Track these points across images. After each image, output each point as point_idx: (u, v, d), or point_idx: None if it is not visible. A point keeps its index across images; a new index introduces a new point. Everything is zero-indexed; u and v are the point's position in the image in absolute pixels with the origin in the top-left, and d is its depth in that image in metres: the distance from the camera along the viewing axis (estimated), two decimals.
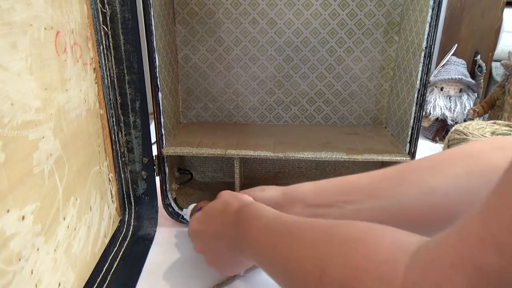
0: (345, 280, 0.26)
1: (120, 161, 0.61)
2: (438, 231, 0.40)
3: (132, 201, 0.64)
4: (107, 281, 0.52)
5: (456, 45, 1.21)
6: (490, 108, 1.01)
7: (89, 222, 0.50)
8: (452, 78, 1.04)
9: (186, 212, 0.63)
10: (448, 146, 0.76)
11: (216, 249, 0.48)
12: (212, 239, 0.48)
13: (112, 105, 0.57)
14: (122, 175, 0.62)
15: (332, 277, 0.27)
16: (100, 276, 0.52)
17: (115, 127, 0.59)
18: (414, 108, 0.61)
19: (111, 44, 0.54)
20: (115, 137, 0.59)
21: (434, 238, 0.24)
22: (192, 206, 0.61)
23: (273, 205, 0.47)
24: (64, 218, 0.43)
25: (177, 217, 0.67)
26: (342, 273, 0.26)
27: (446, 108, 1.05)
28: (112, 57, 0.55)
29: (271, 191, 0.51)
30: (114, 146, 0.59)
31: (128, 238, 0.62)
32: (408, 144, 0.63)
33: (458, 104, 1.05)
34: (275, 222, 0.38)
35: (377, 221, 0.41)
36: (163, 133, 0.63)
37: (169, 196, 0.67)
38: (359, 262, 0.26)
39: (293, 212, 0.47)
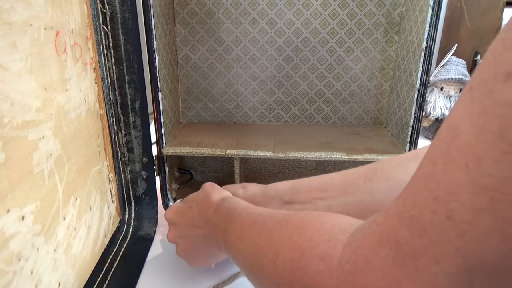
0: (293, 260, 0.29)
1: (120, 161, 0.61)
2: None
3: (132, 201, 0.64)
4: (107, 281, 0.52)
5: (456, 45, 1.20)
6: None
7: (89, 222, 0.50)
8: (452, 78, 1.04)
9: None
10: None
11: (190, 239, 0.49)
12: (188, 228, 0.49)
13: (112, 105, 0.57)
14: (122, 175, 0.62)
15: (283, 259, 0.30)
16: (100, 276, 0.52)
17: (115, 127, 0.59)
18: (414, 108, 0.61)
19: (111, 44, 0.54)
20: (115, 137, 0.59)
21: (368, 219, 0.26)
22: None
23: (253, 202, 0.49)
24: (64, 218, 0.43)
25: None
26: (291, 254, 0.29)
27: (446, 108, 1.05)
28: (112, 57, 0.55)
29: (252, 189, 0.53)
30: (114, 146, 0.59)
31: (128, 238, 0.62)
32: (408, 144, 0.63)
33: None
34: (245, 214, 0.40)
35: (348, 215, 0.44)
36: (163, 133, 0.63)
37: (169, 196, 0.67)
38: (304, 243, 0.29)
39: (270, 208, 0.48)
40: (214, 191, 0.49)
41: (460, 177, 0.18)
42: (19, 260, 0.34)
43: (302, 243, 0.29)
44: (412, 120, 0.62)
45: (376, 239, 0.23)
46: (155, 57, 0.58)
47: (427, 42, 0.57)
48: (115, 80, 0.56)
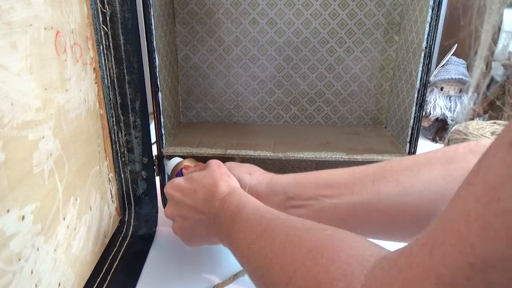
0: None
1: (120, 161, 0.61)
2: (412, 230, 0.39)
3: (132, 201, 0.64)
4: (107, 281, 0.52)
5: (456, 45, 1.20)
6: (490, 108, 1.01)
7: (89, 222, 0.50)
8: (452, 78, 1.04)
9: (167, 164, 0.62)
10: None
11: (190, 221, 0.49)
12: (189, 211, 0.48)
13: (112, 105, 0.57)
14: (122, 175, 0.62)
15: (296, 286, 0.28)
16: (100, 276, 0.52)
17: (115, 127, 0.59)
18: (414, 108, 0.61)
19: (111, 44, 0.54)
20: (115, 137, 0.59)
21: (389, 256, 0.24)
22: (175, 161, 0.60)
23: (257, 192, 0.50)
24: (64, 218, 0.43)
25: None
26: (305, 283, 0.28)
27: (446, 108, 1.04)
28: (112, 57, 0.55)
29: (258, 177, 0.52)
30: (114, 146, 0.59)
31: (128, 238, 0.61)
32: (408, 144, 0.63)
33: (458, 104, 1.05)
34: (254, 218, 0.39)
35: (353, 216, 0.44)
36: (163, 133, 0.63)
37: None
38: (320, 275, 0.27)
39: (275, 202, 0.48)
40: (222, 179, 0.48)
41: (502, 249, 0.16)
42: (19, 260, 0.34)
43: (317, 273, 0.27)
44: (412, 120, 0.62)
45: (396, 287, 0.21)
46: (155, 57, 0.58)
47: (427, 42, 0.57)
48: (115, 80, 0.56)
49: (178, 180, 0.51)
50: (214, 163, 0.51)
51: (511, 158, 0.17)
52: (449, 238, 0.19)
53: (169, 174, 0.61)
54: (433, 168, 0.42)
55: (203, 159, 0.80)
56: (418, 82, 0.60)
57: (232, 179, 0.49)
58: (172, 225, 0.51)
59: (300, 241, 0.31)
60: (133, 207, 0.64)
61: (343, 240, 0.29)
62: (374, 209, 0.43)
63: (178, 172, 0.59)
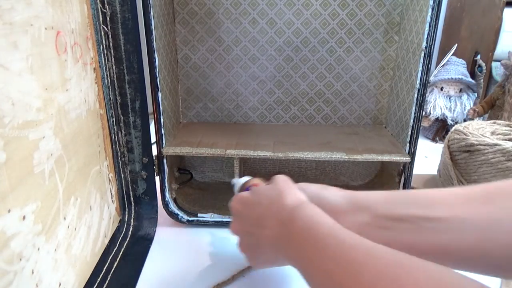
0: None
1: (120, 161, 0.61)
2: None
3: (132, 201, 0.64)
4: (107, 281, 0.52)
5: (456, 45, 1.21)
6: (490, 108, 1.01)
7: (89, 222, 0.50)
8: (452, 78, 1.04)
9: (235, 183, 0.60)
10: (448, 147, 0.76)
11: (254, 238, 0.44)
12: (254, 225, 0.44)
13: (112, 105, 0.57)
14: (122, 175, 0.62)
15: None
16: (100, 276, 0.52)
17: (115, 127, 0.59)
18: (414, 108, 0.61)
19: (111, 44, 0.54)
20: (115, 137, 0.59)
21: None
22: (244, 179, 0.57)
23: (333, 209, 0.42)
24: (65, 218, 0.43)
25: (177, 217, 0.67)
26: None
27: (446, 108, 1.05)
28: (112, 57, 0.55)
29: (336, 192, 0.45)
30: (114, 146, 0.59)
31: (128, 238, 0.62)
32: (408, 144, 0.63)
33: (458, 104, 1.05)
34: (330, 240, 0.33)
35: (461, 246, 0.34)
36: (163, 133, 0.63)
37: (169, 196, 0.67)
38: None
39: (357, 222, 0.41)
40: (288, 192, 0.42)
41: None
42: (20, 260, 0.34)
43: None
44: (412, 120, 0.62)
45: None
46: (155, 57, 0.58)
47: (427, 42, 0.57)
48: (115, 80, 0.56)
49: (243, 194, 0.48)
50: (280, 177, 0.46)
51: None
52: None
53: (236, 193, 0.57)
54: None
55: (203, 159, 0.81)
56: (418, 82, 0.60)
57: (299, 192, 0.43)
58: (238, 243, 0.47)
59: (391, 283, 0.26)
60: (133, 207, 0.64)
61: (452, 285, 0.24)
62: (490, 239, 0.34)
63: (245, 189, 0.55)
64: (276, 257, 0.42)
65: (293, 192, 0.42)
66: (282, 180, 0.45)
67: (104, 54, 0.55)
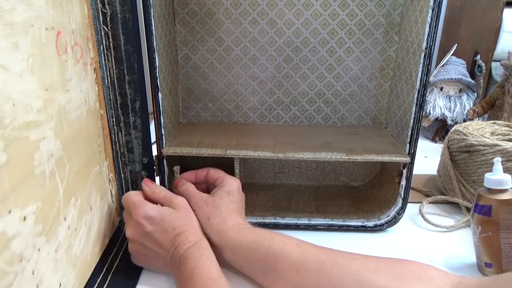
0: None
1: (120, 161, 0.61)
2: None
3: None
4: (107, 281, 0.52)
5: (456, 45, 1.21)
6: (489, 108, 1.01)
7: (89, 222, 0.50)
8: (452, 78, 1.04)
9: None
10: (448, 147, 0.76)
11: (149, 250, 0.52)
12: (154, 244, 0.51)
13: (112, 105, 0.57)
14: (122, 175, 0.62)
15: None
16: (101, 277, 0.52)
17: (115, 127, 0.59)
18: (414, 108, 0.61)
19: (111, 44, 0.54)
20: (115, 137, 0.59)
21: None
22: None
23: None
24: (65, 219, 0.43)
25: None
26: None
27: (446, 108, 1.05)
28: (112, 57, 0.55)
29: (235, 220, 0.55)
30: (114, 146, 0.59)
31: None
32: (408, 145, 0.63)
33: (458, 104, 1.05)
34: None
35: None
36: (163, 133, 0.63)
37: None
38: None
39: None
40: (189, 230, 0.51)
41: None
42: (21, 260, 0.34)
43: None
44: (412, 121, 0.62)
45: None
46: (155, 57, 0.58)
47: (427, 43, 0.57)
48: (115, 80, 0.56)
49: (152, 213, 0.52)
50: (183, 204, 0.54)
51: None
52: None
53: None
54: (377, 277, 0.43)
55: (203, 159, 0.81)
56: (418, 82, 0.60)
57: (199, 232, 0.52)
58: (130, 248, 0.54)
59: None
60: None
61: None
62: None
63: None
64: (163, 269, 0.53)
65: (192, 232, 0.51)
66: (185, 213, 0.53)
67: (104, 55, 0.55)
